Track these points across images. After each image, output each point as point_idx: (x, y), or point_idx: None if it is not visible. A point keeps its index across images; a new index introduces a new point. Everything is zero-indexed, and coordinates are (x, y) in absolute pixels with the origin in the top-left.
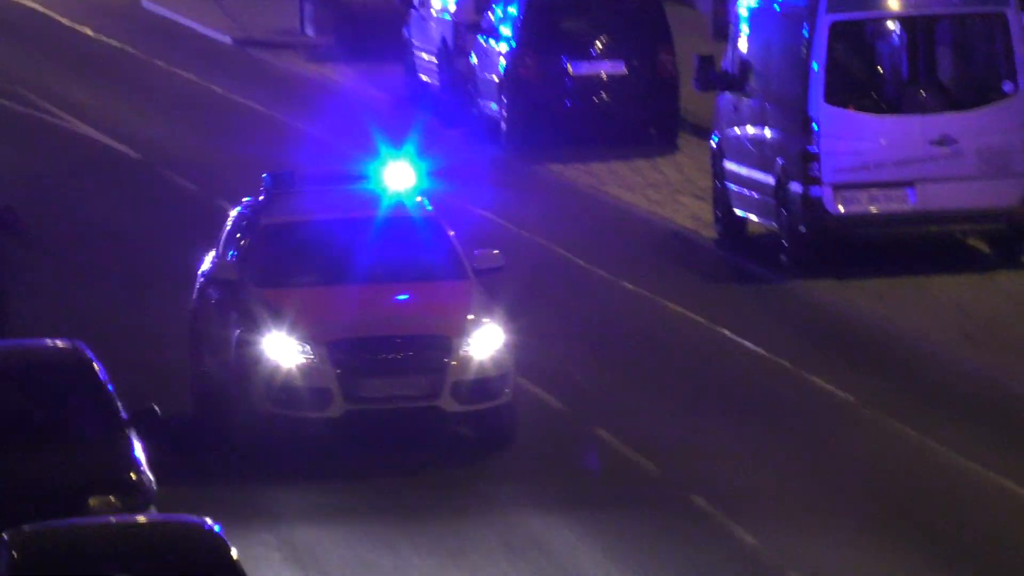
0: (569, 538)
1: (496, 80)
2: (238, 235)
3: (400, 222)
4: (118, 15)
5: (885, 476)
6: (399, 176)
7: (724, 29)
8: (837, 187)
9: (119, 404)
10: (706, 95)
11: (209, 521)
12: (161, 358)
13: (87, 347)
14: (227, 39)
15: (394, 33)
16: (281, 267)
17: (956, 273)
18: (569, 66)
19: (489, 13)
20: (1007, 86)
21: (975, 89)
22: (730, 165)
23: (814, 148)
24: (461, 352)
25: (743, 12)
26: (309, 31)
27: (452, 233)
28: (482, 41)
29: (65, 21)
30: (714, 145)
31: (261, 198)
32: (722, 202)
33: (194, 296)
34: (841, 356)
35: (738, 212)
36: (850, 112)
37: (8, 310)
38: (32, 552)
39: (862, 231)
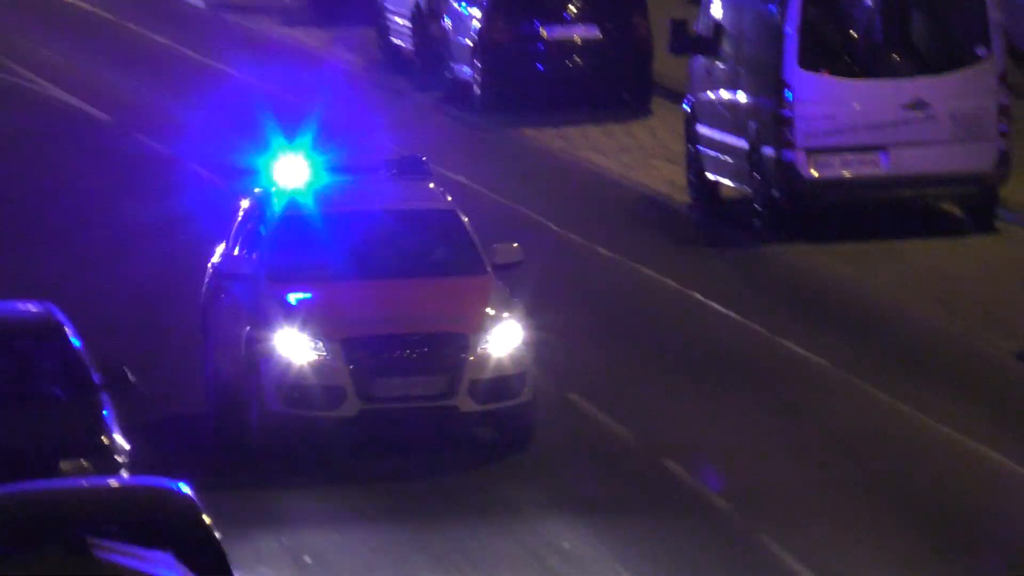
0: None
1: (470, 44)
2: (249, 227)
3: (417, 215)
4: None
5: (857, 439)
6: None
7: None
8: (810, 151)
9: (91, 367)
10: (680, 59)
11: (181, 484)
12: (130, 318)
13: (57, 309)
14: (200, 2)
15: None
16: (294, 261)
17: (929, 237)
18: (543, 30)
19: None
20: (980, 50)
21: (948, 53)
22: (703, 129)
23: (787, 112)
24: (479, 350)
25: None
26: None
27: (467, 219)
28: (456, 5)
29: None
30: (688, 109)
31: (272, 189)
32: (695, 166)
33: (204, 290)
34: (814, 320)
35: (711, 176)
36: (823, 76)
37: None
38: (3, 515)
39: (835, 195)
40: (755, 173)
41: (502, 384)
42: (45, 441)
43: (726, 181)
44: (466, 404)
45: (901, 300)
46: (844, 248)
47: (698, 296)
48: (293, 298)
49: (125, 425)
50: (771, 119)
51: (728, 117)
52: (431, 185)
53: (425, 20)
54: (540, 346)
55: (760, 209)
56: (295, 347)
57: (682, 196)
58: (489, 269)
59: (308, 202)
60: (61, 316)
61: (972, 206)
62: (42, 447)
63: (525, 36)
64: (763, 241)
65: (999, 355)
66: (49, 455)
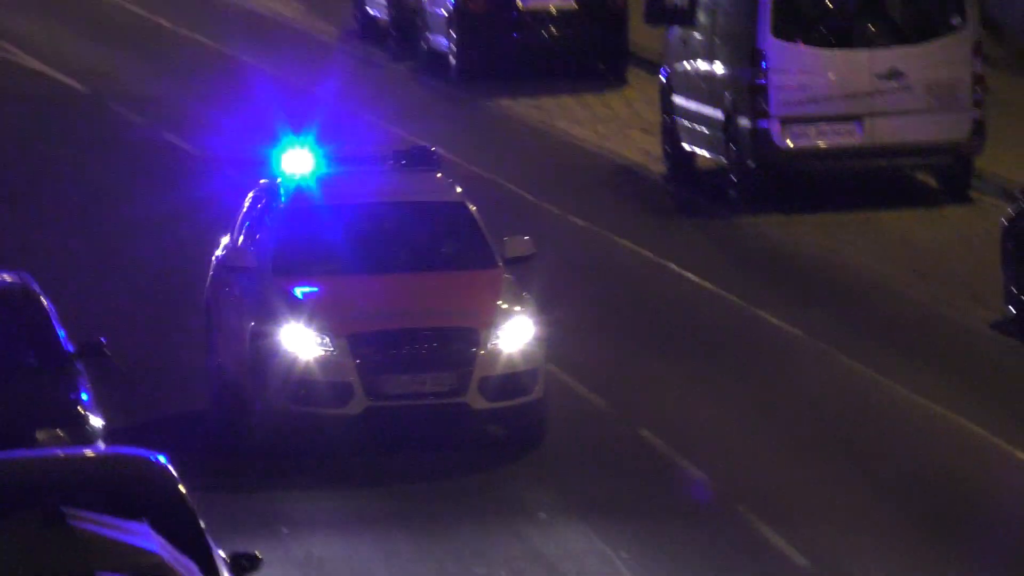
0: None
1: (445, 14)
2: (254, 219)
3: (426, 207)
4: None
5: (833, 409)
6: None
7: None
8: (785, 121)
9: (66, 337)
10: (656, 29)
11: (157, 454)
12: (101, 289)
13: (32, 279)
14: None
15: None
16: (299, 254)
17: (903, 207)
18: (518, 0)
19: None
20: (954, 20)
21: (923, 23)
22: (679, 99)
23: (762, 82)
24: (489, 345)
25: None
26: None
27: (474, 208)
28: None
29: None
30: (663, 79)
31: (278, 180)
32: (671, 136)
33: (208, 284)
34: (789, 290)
35: (687, 146)
36: (798, 46)
37: None
38: None
39: (810, 165)
40: (730, 143)
41: (513, 381)
42: (20, 411)
43: (702, 151)
44: (476, 401)
45: (876, 270)
46: (819, 218)
47: (673, 266)
48: (299, 292)
49: (102, 396)
50: (746, 89)
51: (703, 87)
52: (439, 176)
53: None
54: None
55: (735, 179)
56: (301, 342)
57: (657, 166)
58: (500, 262)
59: (315, 194)
60: (36, 286)
61: (947, 176)
62: (17, 417)
63: (500, 6)
64: (738, 211)
65: (974, 325)
66: (24, 425)
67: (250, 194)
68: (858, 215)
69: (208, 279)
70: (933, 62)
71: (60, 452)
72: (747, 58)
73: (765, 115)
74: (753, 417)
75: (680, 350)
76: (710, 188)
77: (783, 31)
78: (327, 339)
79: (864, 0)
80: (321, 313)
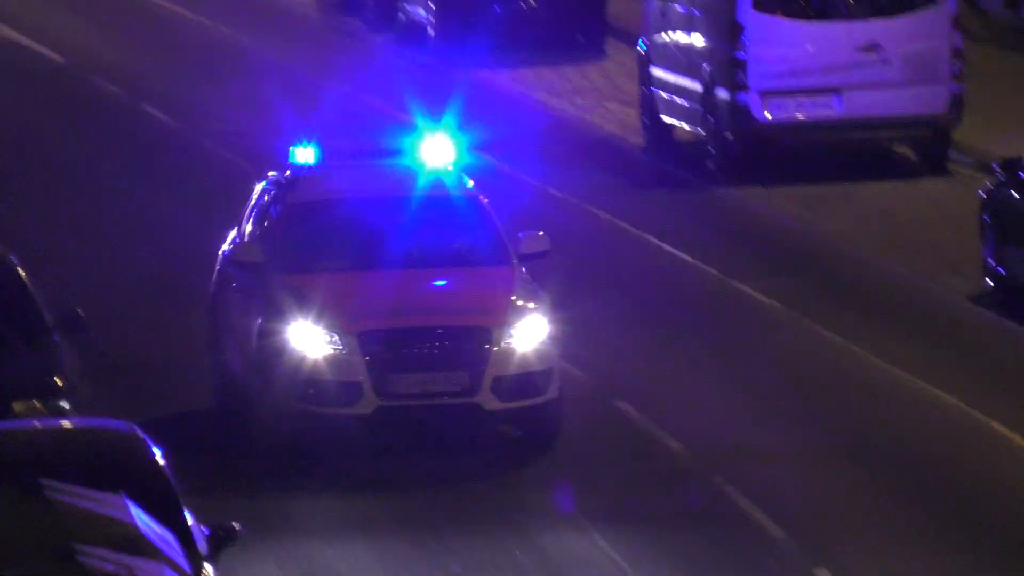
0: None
1: None
2: (262, 213)
3: (439, 202)
4: None
5: (811, 381)
6: (437, 151)
7: None
8: (764, 94)
9: (43, 308)
10: (634, 1)
11: (135, 426)
12: (80, 258)
13: (7, 250)
14: None
15: None
16: (308, 250)
17: (882, 180)
18: None
19: None
20: None
21: None
22: (657, 71)
23: (741, 54)
24: (503, 344)
25: None
26: None
27: (486, 200)
28: None
29: None
30: (642, 51)
31: (288, 173)
32: (649, 108)
33: (213, 279)
34: (767, 262)
35: (665, 118)
36: (777, 18)
37: None
38: None
39: (789, 137)
40: (709, 115)
41: (527, 381)
42: None
43: (680, 123)
44: (489, 401)
45: (854, 242)
46: (798, 190)
47: (651, 238)
48: (307, 288)
49: (80, 367)
50: (725, 61)
51: (682, 59)
52: (450, 168)
53: None
54: None
55: (714, 151)
56: (309, 340)
57: (636, 138)
58: (514, 259)
59: (323, 187)
60: (13, 256)
61: (925, 148)
62: None
63: None
64: (717, 183)
65: (951, 297)
66: (1, 396)
67: (258, 187)
68: (836, 187)
69: (214, 274)
70: (912, 35)
71: (37, 423)
72: (726, 30)
73: (744, 88)
74: (729, 387)
75: (655, 320)
76: (688, 160)
77: (763, 4)
78: (336, 337)
79: None
80: (330, 310)
